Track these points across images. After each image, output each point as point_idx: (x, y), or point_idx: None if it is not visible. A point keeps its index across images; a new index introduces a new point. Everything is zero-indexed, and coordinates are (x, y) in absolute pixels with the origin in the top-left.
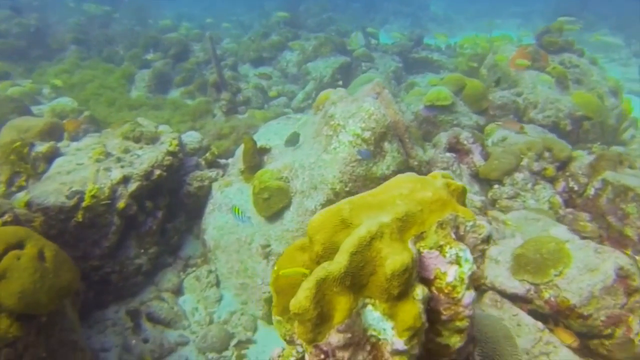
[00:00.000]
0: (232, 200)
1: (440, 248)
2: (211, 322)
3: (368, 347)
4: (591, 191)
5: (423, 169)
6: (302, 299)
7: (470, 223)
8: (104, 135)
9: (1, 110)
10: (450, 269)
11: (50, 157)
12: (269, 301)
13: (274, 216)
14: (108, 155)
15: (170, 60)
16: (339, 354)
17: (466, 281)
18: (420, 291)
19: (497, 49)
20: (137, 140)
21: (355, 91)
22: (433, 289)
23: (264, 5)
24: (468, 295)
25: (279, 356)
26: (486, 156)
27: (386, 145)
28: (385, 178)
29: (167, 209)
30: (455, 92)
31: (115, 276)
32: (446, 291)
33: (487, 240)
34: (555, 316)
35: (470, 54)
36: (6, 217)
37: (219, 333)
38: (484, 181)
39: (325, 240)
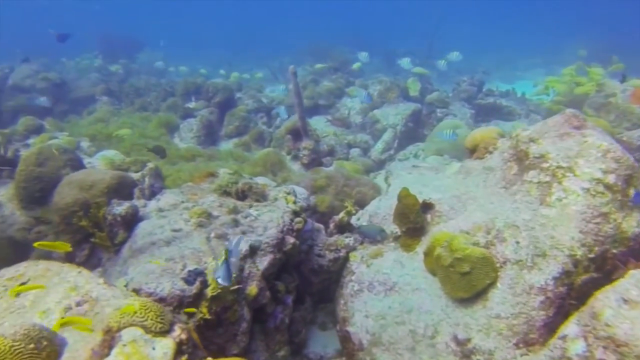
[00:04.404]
0: (389, 277)
1: None
2: None
3: None
4: None
5: None
6: None
7: None
8: (190, 191)
9: (54, 164)
10: None
11: (130, 221)
12: None
13: (473, 297)
14: (210, 216)
15: (215, 109)
16: None
17: None
18: None
19: (603, 87)
20: (241, 196)
21: (438, 139)
22: None
23: (281, 60)
24: None
25: None
26: None
27: (632, 192)
28: (635, 238)
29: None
30: None
31: None
32: None
33: None
34: None
35: (559, 98)
36: (178, 332)
37: None
38: None
39: None
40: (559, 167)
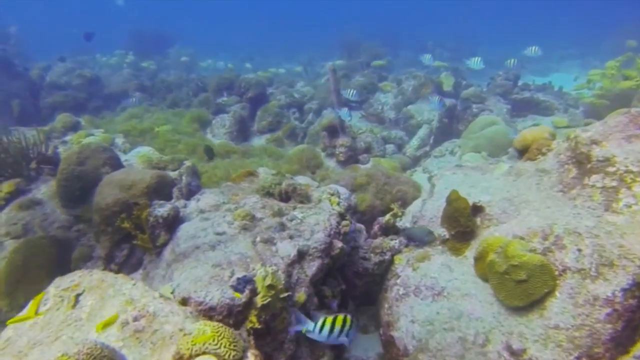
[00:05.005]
0: (437, 281)
1: None
2: None
3: None
4: None
5: None
6: None
7: None
8: (231, 191)
9: (93, 163)
10: None
11: (172, 223)
12: None
13: (528, 305)
14: (254, 219)
15: (247, 104)
16: None
17: None
18: None
19: None
20: (284, 197)
21: (474, 135)
22: None
23: (310, 54)
24: None
25: None
26: None
27: None
28: None
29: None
30: None
31: None
32: None
33: None
34: None
35: (599, 92)
36: None
37: None
38: None
39: None
40: (628, 171)
